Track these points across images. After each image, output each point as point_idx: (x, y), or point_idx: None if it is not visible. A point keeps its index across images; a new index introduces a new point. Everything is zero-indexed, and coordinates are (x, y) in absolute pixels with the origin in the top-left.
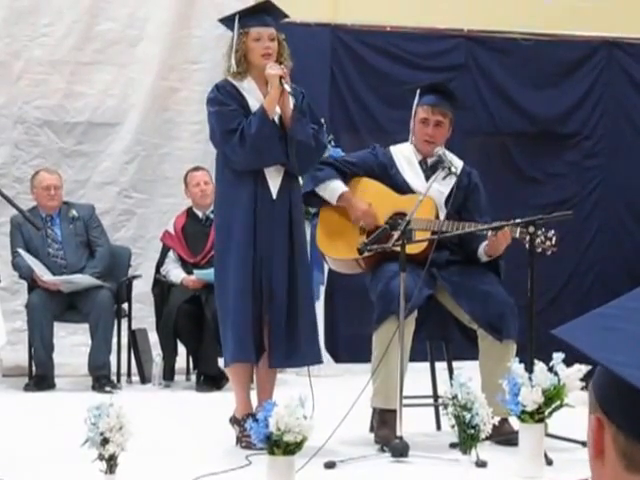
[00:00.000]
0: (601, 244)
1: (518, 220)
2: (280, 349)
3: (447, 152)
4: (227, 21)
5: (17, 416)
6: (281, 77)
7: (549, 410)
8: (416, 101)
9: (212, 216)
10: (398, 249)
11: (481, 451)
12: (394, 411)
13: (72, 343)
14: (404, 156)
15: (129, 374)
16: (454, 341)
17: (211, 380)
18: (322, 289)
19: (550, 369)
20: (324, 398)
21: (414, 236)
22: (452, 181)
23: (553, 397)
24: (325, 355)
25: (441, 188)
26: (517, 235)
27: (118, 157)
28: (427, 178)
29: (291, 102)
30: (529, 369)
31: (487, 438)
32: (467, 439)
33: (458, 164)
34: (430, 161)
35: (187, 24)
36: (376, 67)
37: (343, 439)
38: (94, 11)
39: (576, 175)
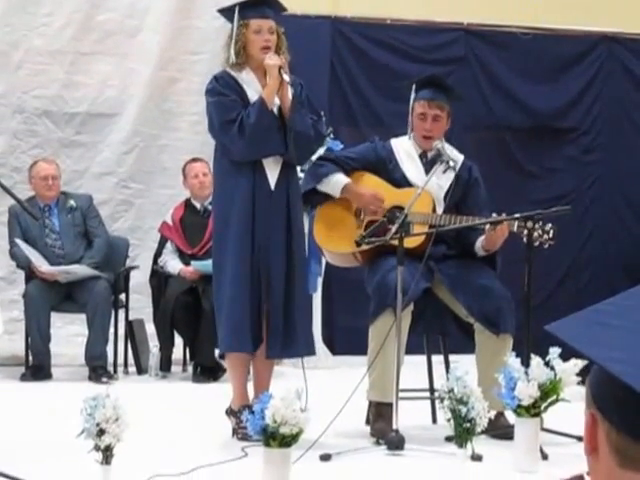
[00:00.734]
0: (599, 239)
1: (516, 215)
2: (277, 340)
3: (447, 145)
4: (227, 12)
5: (13, 406)
6: (280, 67)
7: (545, 405)
8: (412, 96)
9: (210, 207)
10: (396, 242)
11: (477, 445)
12: (390, 404)
13: (69, 333)
14: (404, 149)
15: (126, 365)
16: (451, 335)
17: (208, 371)
18: (320, 281)
19: (546, 364)
20: (321, 390)
21: (412, 229)
22: (451, 175)
23: (549, 392)
24: (322, 347)
25: (440, 182)
26: (515, 229)
27: (117, 147)
28: (427, 172)
29: (290, 93)
30: (525, 363)
31: (483, 432)
32: (463, 433)
33: (458, 158)
34: (430, 155)
35: (187, 15)
36: (376, 60)
37: (339, 431)
38: (94, 1)
39: (574, 170)
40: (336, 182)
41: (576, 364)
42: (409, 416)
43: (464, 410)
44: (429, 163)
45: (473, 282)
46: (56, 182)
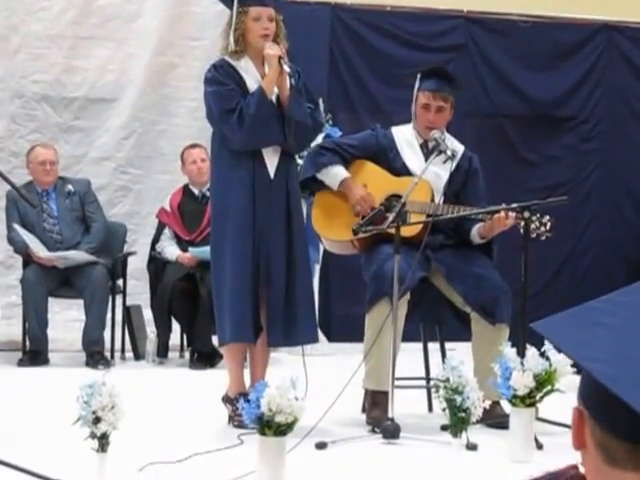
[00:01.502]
0: (597, 228)
1: (513, 205)
2: (278, 328)
3: (448, 136)
4: None
5: (10, 391)
6: (280, 57)
7: (540, 395)
8: (417, 86)
9: (208, 194)
10: (393, 231)
11: (472, 434)
12: (386, 393)
13: (66, 318)
14: (405, 138)
15: (123, 350)
16: (447, 324)
17: (205, 358)
18: (317, 268)
19: (542, 354)
20: (317, 377)
21: (409, 218)
22: (451, 165)
23: (544, 382)
24: (319, 334)
25: (440, 172)
26: (512, 221)
27: (115, 133)
28: (427, 161)
29: (289, 82)
30: (521, 354)
31: (478, 421)
32: (458, 422)
33: (459, 148)
34: (431, 144)
35: (186, 0)
36: (375, 47)
37: (335, 419)
38: None
39: (573, 158)
40: (335, 175)
41: None
42: (405, 404)
43: (459, 400)
44: (430, 153)
45: (470, 271)
46: (54, 167)
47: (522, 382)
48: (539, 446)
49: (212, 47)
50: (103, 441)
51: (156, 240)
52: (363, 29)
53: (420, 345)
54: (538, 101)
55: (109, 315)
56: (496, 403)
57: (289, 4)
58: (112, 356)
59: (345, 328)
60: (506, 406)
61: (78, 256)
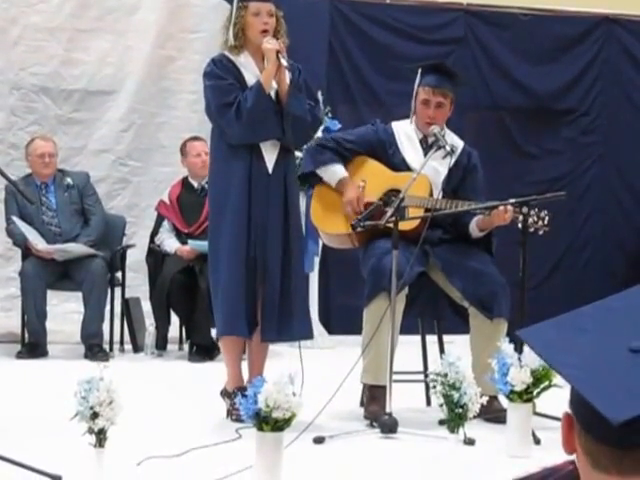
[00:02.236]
0: (596, 221)
1: (511, 200)
2: (272, 323)
3: (448, 131)
4: None
5: (8, 383)
6: (278, 52)
7: (537, 390)
8: (417, 81)
9: (207, 186)
10: (391, 226)
11: (470, 428)
12: (384, 387)
13: (65, 310)
14: (405, 133)
15: (122, 343)
16: (445, 318)
17: (203, 350)
18: (316, 260)
19: None
20: (317, 370)
21: (407, 213)
22: (451, 160)
23: (542, 378)
24: (318, 327)
25: (439, 167)
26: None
27: (114, 125)
28: (426, 156)
29: (287, 77)
30: (519, 349)
31: (476, 415)
32: (455, 418)
33: (459, 144)
34: (430, 140)
35: None
36: (375, 39)
37: (333, 413)
38: None
39: (573, 151)
40: (333, 173)
41: None
42: (403, 398)
43: (456, 396)
44: (429, 148)
45: (468, 266)
46: (53, 160)
47: (519, 378)
48: (536, 441)
49: (211, 40)
50: (101, 436)
51: (155, 233)
52: (362, 22)
53: (418, 338)
54: (538, 94)
55: (108, 307)
56: (494, 398)
57: None
58: (111, 348)
59: (345, 320)
60: (504, 401)
61: (77, 249)
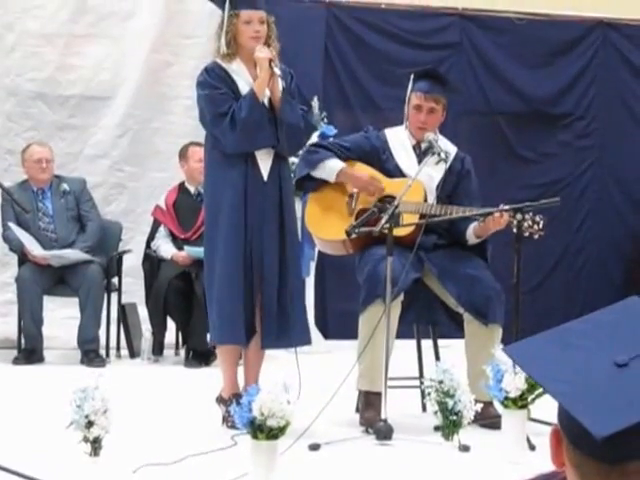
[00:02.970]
0: (592, 225)
1: (505, 206)
2: (271, 330)
3: (441, 137)
4: (218, 1)
5: (5, 390)
6: (270, 60)
7: (532, 397)
8: (410, 86)
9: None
10: (386, 232)
11: (465, 434)
12: (379, 393)
13: (62, 316)
14: (398, 140)
15: (118, 348)
16: (440, 324)
17: (200, 356)
18: (313, 265)
19: None
20: (313, 376)
21: (402, 220)
22: (444, 166)
23: (536, 384)
24: (315, 331)
25: (432, 173)
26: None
27: (110, 130)
28: (420, 162)
29: (280, 84)
30: None
31: (471, 422)
32: (449, 425)
33: (452, 150)
34: (423, 146)
35: None
36: (370, 44)
37: (329, 419)
38: None
39: (569, 155)
40: (332, 167)
41: None
42: (399, 404)
43: (451, 403)
44: (422, 154)
45: (462, 272)
46: (49, 165)
47: (514, 384)
48: (531, 447)
49: (206, 45)
50: (96, 445)
51: (151, 238)
52: (358, 27)
53: (413, 342)
54: (534, 98)
55: (104, 313)
56: (489, 404)
57: (285, 1)
58: (107, 354)
59: (342, 325)
60: (499, 407)
61: (73, 255)
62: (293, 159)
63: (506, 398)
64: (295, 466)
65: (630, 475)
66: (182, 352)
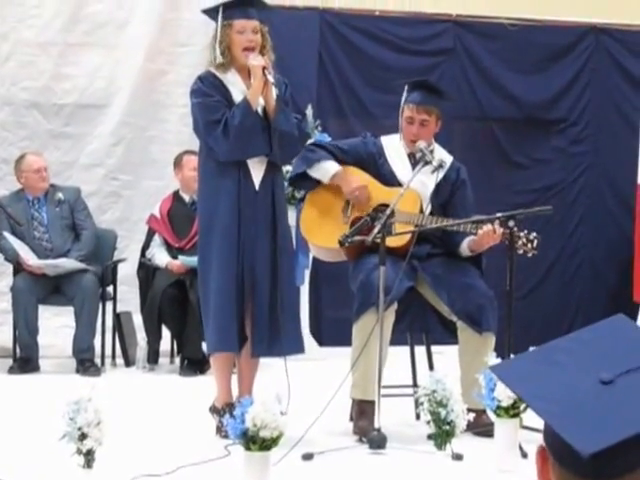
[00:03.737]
0: (586, 230)
1: (498, 214)
2: (263, 338)
3: (437, 146)
4: (211, 12)
5: (0, 399)
6: (264, 68)
7: (524, 406)
8: (404, 97)
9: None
10: (378, 241)
11: (458, 442)
12: (372, 402)
13: (57, 325)
14: (394, 147)
15: (113, 357)
16: (434, 332)
17: (195, 364)
18: (307, 273)
19: None
20: (307, 383)
21: (394, 229)
22: (439, 175)
23: None
24: (309, 339)
25: (427, 181)
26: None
27: (105, 139)
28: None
29: (274, 93)
30: None
31: (464, 430)
32: (442, 434)
33: (447, 159)
34: (417, 155)
35: (176, 7)
36: (364, 51)
37: (323, 428)
38: None
39: (562, 161)
40: (327, 168)
41: None
42: (392, 412)
43: (443, 413)
44: (417, 163)
45: (456, 280)
46: (47, 174)
47: (506, 393)
48: (524, 455)
49: (202, 53)
50: (89, 457)
51: (146, 246)
52: (352, 34)
53: (407, 348)
54: (527, 104)
55: (99, 322)
56: (482, 412)
57: (278, 9)
58: (102, 362)
59: (336, 332)
60: (491, 415)
61: (68, 264)
62: (287, 167)
63: (498, 407)
64: (289, 476)
65: None
66: (177, 360)
